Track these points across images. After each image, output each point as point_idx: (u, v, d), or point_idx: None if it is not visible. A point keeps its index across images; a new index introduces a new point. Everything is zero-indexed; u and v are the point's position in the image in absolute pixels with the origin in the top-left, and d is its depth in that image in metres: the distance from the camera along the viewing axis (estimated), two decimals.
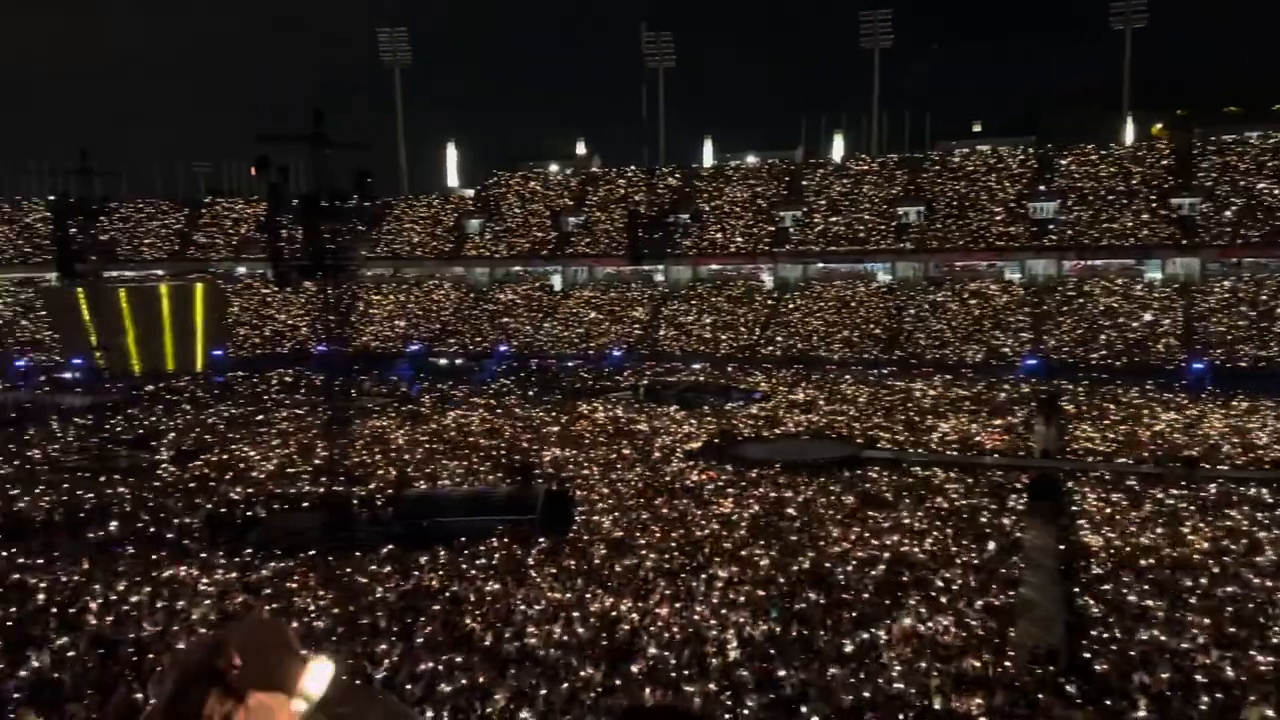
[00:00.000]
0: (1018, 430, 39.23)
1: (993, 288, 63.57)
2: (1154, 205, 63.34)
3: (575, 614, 19.48)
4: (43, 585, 21.77)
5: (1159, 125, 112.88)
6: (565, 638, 18.28)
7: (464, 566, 23.21)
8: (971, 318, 60.54)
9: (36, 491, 31.22)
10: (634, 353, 62.73)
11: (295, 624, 18.24)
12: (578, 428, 41.05)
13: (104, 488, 31.66)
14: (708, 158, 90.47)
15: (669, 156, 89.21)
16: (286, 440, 39.19)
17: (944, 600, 20.25)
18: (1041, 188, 67.82)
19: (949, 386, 49.34)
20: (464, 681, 16.23)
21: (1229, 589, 20.42)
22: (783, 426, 41.19)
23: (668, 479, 31.95)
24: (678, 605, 19.96)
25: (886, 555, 23.42)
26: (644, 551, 23.91)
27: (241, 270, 77.30)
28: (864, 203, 71.68)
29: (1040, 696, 15.56)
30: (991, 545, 24.25)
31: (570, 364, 60.93)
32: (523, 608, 19.96)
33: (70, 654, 17.70)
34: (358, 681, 12.72)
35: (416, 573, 22.88)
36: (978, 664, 16.93)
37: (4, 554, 24.50)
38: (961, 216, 67.90)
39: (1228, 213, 61.13)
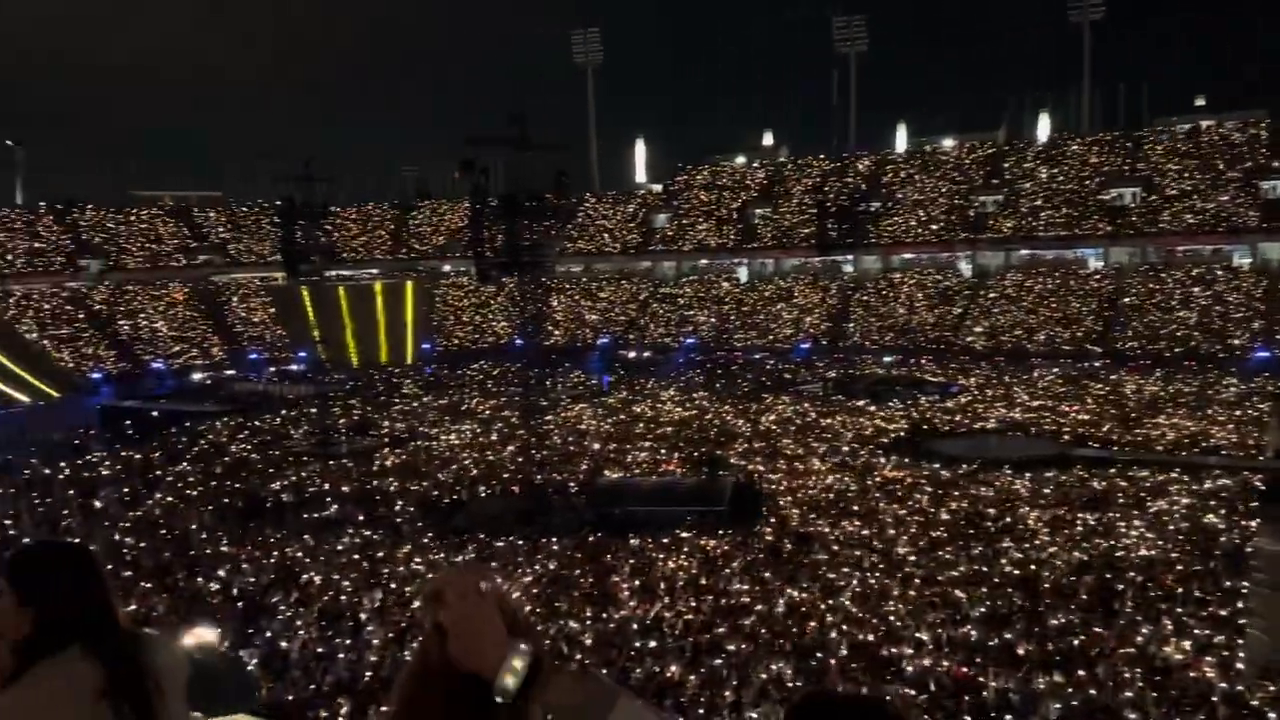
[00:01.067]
0: (1247, 428, 35.93)
1: (1219, 274, 58.38)
2: None
3: (762, 607, 19.49)
4: (272, 561, 23.94)
5: None
6: (755, 630, 18.32)
7: (653, 555, 23.66)
8: (1194, 307, 55.86)
9: (268, 473, 34.25)
10: (822, 345, 61.78)
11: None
12: (765, 421, 40.86)
13: (326, 471, 34.37)
14: (900, 143, 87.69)
15: (860, 144, 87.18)
16: (488, 429, 41.13)
17: (1163, 609, 18.87)
18: (1277, 164, 61.58)
19: (1168, 381, 45.80)
20: (655, 669, 16.60)
21: None
22: (982, 422, 39.48)
23: (858, 474, 31.33)
24: (869, 603, 19.58)
25: (1098, 559, 22.06)
26: (835, 547, 23.58)
27: (447, 268, 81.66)
28: (1072, 184, 67.46)
29: (1270, 715, 14.27)
30: (1217, 552, 22.36)
31: (756, 357, 60.72)
32: (710, 598, 20.16)
33: (297, 625, 19.35)
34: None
35: (609, 559, 23.54)
36: (1200, 678, 15.70)
37: (239, 530, 27.06)
38: (1184, 197, 62.71)
39: None
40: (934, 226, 69.80)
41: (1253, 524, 24.86)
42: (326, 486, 32.02)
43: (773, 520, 26.52)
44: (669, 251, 78.37)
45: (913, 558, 22.59)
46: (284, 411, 47.34)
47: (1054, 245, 65.64)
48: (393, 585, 21.63)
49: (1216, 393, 42.93)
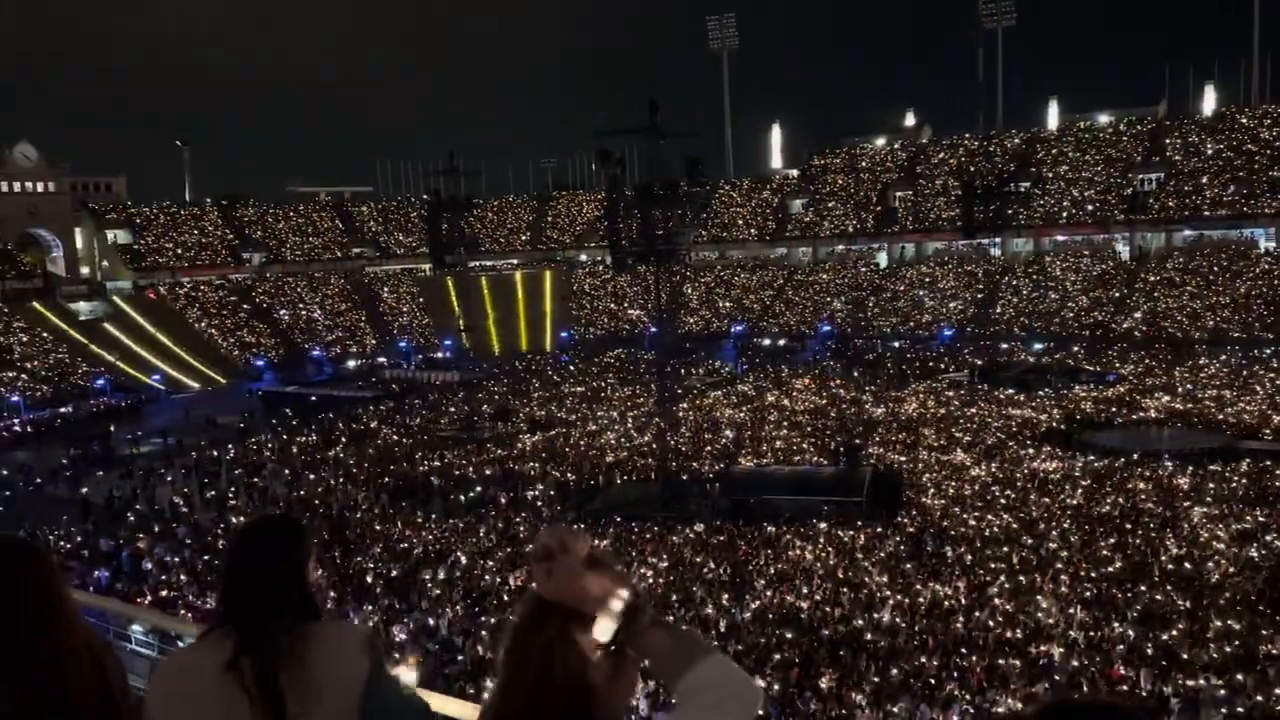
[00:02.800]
0: None
1: None
2: None
3: (903, 599, 19.08)
4: (421, 539, 24.99)
5: None
6: (896, 623, 17.96)
7: (791, 544, 23.47)
8: None
9: (417, 457, 35.69)
10: (967, 332, 59.74)
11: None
12: (906, 410, 39.86)
13: (471, 455, 35.56)
14: (1052, 120, 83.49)
15: (1008, 122, 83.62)
16: (624, 416, 41.62)
17: None
18: None
19: None
20: (788, 655, 16.50)
21: None
22: (1141, 412, 37.39)
23: (1006, 466, 30.19)
24: (1019, 599, 18.88)
25: (1268, 558, 20.62)
26: (977, 542, 22.80)
27: (584, 258, 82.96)
28: (1241, 160, 62.87)
29: None
30: None
31: (897, 344, 59.24)
32: (847, 591, 19.87)
33: (444, 602, 20.13)
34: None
35: (743, 546, 23.51)
36: None
37: (391, 511, 28.34)
38: None
39: None
40: (1089, 207, 66.35)
41: None
42: (471, 470, 33.12)
43: (913, 512, 25.89)
44: (805, 238, 77.27)
45: (1064, 554, 21.63)
46: (431, 397, 49.18)
47: (1221, 225, 61.34)
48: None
49: None
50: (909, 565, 21.26)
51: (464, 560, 22.91)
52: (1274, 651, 16.03)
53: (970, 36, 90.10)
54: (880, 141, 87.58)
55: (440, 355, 64.16)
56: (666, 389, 33.20)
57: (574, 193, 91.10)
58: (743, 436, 36.36)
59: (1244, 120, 66.38)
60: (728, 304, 72.19)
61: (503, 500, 29.16)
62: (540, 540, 1.77)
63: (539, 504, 28.69)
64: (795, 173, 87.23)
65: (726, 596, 19.73)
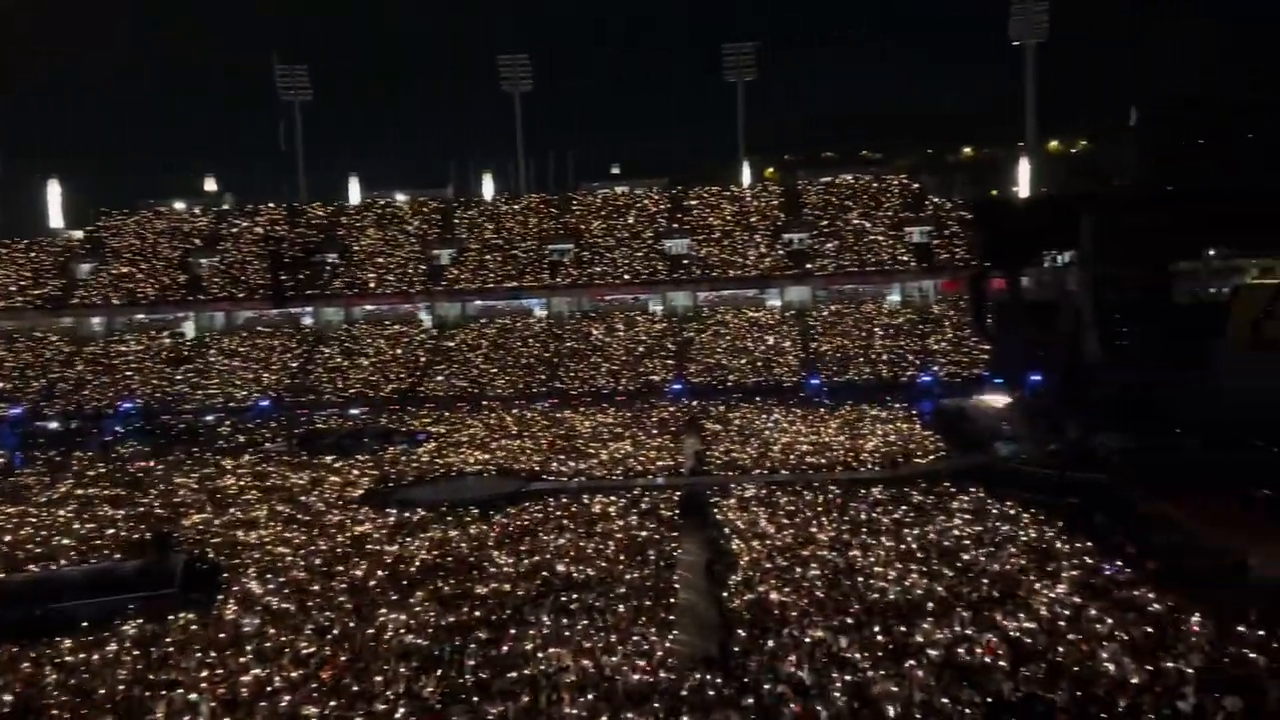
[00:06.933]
0: (670, 451, 41.68)
1: (639, 319, 67.39)
2: (770, 240, 70.57)
3: (223, 690, 17.86)
4: None
5: (771, 169, 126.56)
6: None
7: (88, 655, 20.38)
8: (622, 348, 63.71)
9: None
10: (284, 401, 59.12)
11: None
12: (223, 486, 37.90)
13: None
14: (354, 195, 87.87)
15: (311, 194, 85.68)
16: None
17: (608, 619, 20.94)
18: (675, 225, 73.09)
19: (605, 414, 51.41)
20: None
21: (853, 580, 22.90)
22: (451, 467, 40.72)
23: (330, 531, 30.37)
24: (342, 663, 18.96)
25: (551, 580, 24.05)
26: (300, 615, 22.40)
27: None
28: (516, 240, 73.25)
29: (699, 701, 16.51)
30: (650, 561, 25.51)
31: (210, 418, 56.16)
32: (165, 692, 17.94)
33: None
34: None
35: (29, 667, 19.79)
36: (639, 677, 17.64)
37: None
38: (608, 252, 71.43)
39: (829, 245, 69.55)
40: (391, 278, 70.92)
41: (676, 534, 28.87)
42: None
43: (234, 595, 24.47)
44: (96, 305, 69.36)
45: (382, 608, 22.37)
46: None
47: (503, 296, 70.47)
48: None
49: (648, 419, 49.13)
50: (228, 653, 20.01)
51: None
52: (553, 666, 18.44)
53: (271, 107, 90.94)
54: (180, 205, 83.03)
55: None
56: None
57: None
58: (21, 538, 30.95)
59: (516, 206, 77.49)
60: (2, 384, 61.33)
61: None
62: None
63: None
64: (80, 234, 78.23)
65: None
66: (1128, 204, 47.14)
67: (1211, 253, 50.73)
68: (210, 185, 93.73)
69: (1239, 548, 22.89)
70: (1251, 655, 16.81)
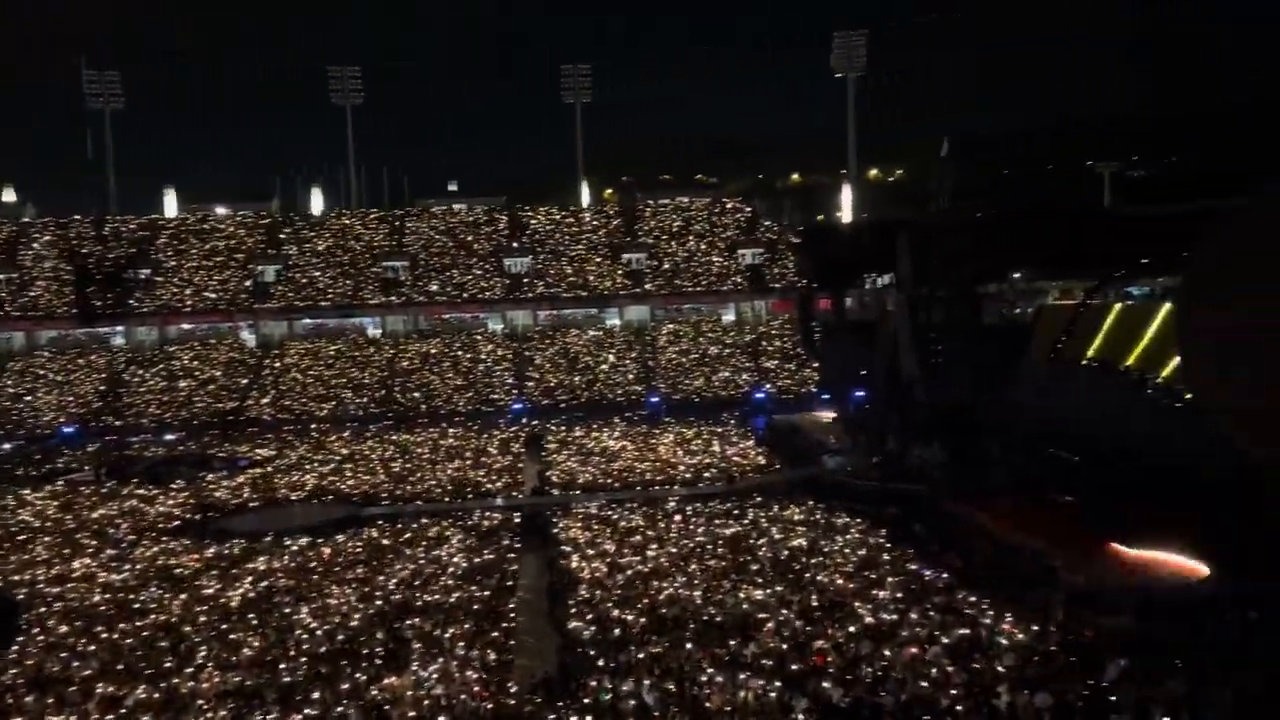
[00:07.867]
0: (511, 471, 41.20)
1: (478, 338, 66.52)
2: (609, 260, 71.25)
3: None
4: None
5: (609, 190, 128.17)
6: None
7: None
8: (461, 368, 62.67)
9: None
10: (92, 427, 54.98)
11: None
12: (16, 521, 34.84)
13: None
14: (170, 208, 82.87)
15: (123, 206, 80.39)
16: None
17: (447, 645, 20.42)
18: (515, 244, 72.69)
19: (444, 435, 50.35)
20: None
21: (692, 594, 23.20)
22: (276, 493, 38.80)
23: (140, 567, 28.32)
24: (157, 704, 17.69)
25: (384, 608, 23.23)
26: (105, 657, 20.77)
27: None
28: (348, 255, 71.01)
29: None
30: (490, 584, 25.07)
31: (8, 446, 51.65)
32: None
33: None
34: None
35: None
36: (483, 703, 17.28)
37: None
38: (445, 270, 70.25)
39: (666, 265, 70.85)
40: (212, 295, 67.30)
41: (516, 555, 28.51)
42: None
43: (37, 636, 22.42)
44: None
45: (203, 646, 21.03)
46: None
47: (335, 314, 68.06)
48: None
49: (488, 439, 48.38)
50: (30, 699, 18.35)
51: None
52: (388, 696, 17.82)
53: (78, 114, 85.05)
54: None
55: None
56: None
57: None
58: None
59: (347, 221, 75.04)
60: None
61: None
62: None
63: None
64: None
65: None
66: (939, 229, 50.16)
67: (1016, 275, 54.63)
68: (9, 195, 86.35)
69: (1045, 550, 24.52)
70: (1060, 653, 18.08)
